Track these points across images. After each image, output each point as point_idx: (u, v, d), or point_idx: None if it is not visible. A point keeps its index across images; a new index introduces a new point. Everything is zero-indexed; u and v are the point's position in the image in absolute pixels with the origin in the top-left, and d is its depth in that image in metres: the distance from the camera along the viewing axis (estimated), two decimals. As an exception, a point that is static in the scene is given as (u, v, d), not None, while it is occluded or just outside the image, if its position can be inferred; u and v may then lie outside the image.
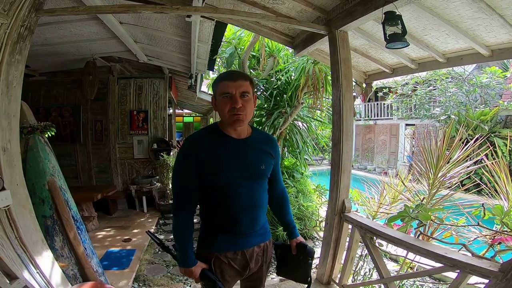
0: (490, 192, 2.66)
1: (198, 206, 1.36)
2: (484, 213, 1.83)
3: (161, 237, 4.30)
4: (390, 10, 1.79)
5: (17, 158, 1.64)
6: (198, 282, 1.31)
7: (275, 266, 1.60)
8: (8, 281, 1.41)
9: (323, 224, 3.63)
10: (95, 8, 2.25)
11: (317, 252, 3.40)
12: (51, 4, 2.47)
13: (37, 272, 1.61)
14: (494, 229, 2.11)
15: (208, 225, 1.34)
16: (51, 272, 1.72)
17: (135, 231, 4.30)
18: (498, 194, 2.51)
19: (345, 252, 2.42)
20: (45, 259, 1.71)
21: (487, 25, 2.08)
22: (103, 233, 4.19)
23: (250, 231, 1.31)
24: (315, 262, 2.77)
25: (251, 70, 5.52)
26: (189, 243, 1.29)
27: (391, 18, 1.81)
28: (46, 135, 2.30)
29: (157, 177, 5.49)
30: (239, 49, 5.36)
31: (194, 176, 1.25)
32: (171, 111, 7.65)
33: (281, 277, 2.82)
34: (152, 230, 4.35)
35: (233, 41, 5.43)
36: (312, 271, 1.50)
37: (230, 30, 5.56)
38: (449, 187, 2.84)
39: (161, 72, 6.01)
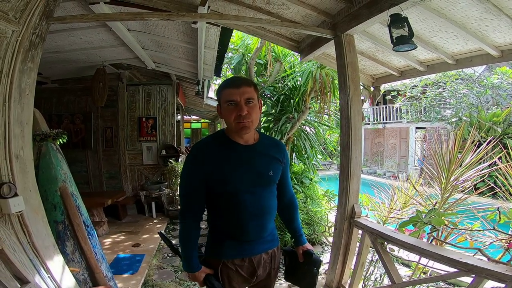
0: (504, 196, 2.58)
1: (206, 212, 1.35)
2: (500, 217, 1.77)
3: (170, 242, 4.32)
4: (396, 12, 1.78)
5: (30, 165, 1.67)
6: (202, 287, 1.31)
7: (283, 271, 1.58)
8: (19, 285, 1.43)
9: (332, 229, 3.58)
10: (104, 15, 2.31)
11: (326, 257, 3.35)
12: (61, 12, 2.53)
13: (48, 277, 1.63)
14: (510, 233, 2.04)
15: (216, 232, 1.33)
16: (62, 276, 1.74)
17: (144, 236, 4.32)
18: (513, 197, 2.44)
19: (355, 258, 2.37)
20: (56, 263, 1.73)
21: (495, 26, 2.05)
22: (113, 238, 4.23)
23: (258, 238, 1.30)
24: (324, 267, 2.74)
25: (257, 78, 5.53)
26: (194, 249, 1.29)
27: (397, 21, 1.79)
28: (58, 142, 2.36)
29: (166, 183, 5.53)
30: (247, 56, 5.39)
31: (200, 184, 1.25)
32: (179, 117, 7.71)
33: (289, 283, 2.79)
34: (161, 236, 4.37)
35: (240, 50, 5.47)
36: (320, 277, 1.49)
37: (239, 38, 5.61)
38: (462, 191, 2.77)
39: (169, 78, 6.09)
